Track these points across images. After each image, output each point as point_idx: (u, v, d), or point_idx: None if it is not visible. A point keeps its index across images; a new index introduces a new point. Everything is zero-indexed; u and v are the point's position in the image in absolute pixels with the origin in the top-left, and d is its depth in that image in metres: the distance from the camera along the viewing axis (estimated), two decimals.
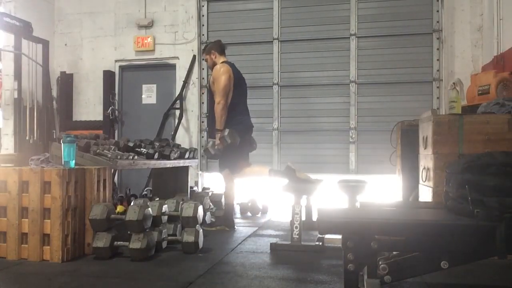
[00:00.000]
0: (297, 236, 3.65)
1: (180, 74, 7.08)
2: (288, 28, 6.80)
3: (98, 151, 3.99)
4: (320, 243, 3.63)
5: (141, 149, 4.70)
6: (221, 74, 4.50)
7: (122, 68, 7.39)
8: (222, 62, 4.63)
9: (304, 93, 6.74)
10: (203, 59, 6.96)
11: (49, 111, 6.86)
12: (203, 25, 7.08)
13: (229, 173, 4.63)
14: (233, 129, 4.44)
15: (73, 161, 3.51)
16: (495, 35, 5.42)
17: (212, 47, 4.75)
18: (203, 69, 7.07)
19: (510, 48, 5.04)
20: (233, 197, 4.70)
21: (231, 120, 4.50)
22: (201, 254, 3.48)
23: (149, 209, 3.45)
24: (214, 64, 4.68)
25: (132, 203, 4.41)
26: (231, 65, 4.67)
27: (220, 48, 4.75)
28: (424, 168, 3.83)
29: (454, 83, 4.08)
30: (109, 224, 3.38)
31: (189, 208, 3.54)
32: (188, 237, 3.50)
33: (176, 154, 5.12)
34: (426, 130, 3.79)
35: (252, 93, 6.80)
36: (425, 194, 3.79)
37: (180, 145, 5.83)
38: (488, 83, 4.53)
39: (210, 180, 7.04)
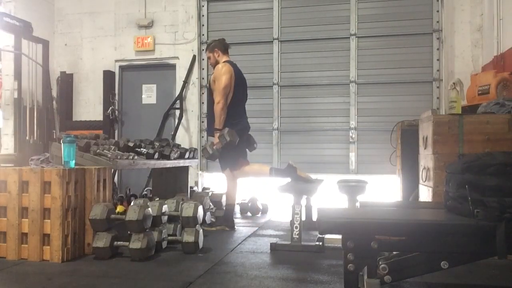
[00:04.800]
0: (297, 236, 3.64)
1: (180, 74, 7.08)
2: (288, 28, 6.80)
3: (98, 151, 3.99)
4: (320, 243, 3.63)
5: (141, 149, 4.70)
6: (223, 73, 4.47)
7: (122, 68, 7.40)
8: (225, 62, 4.61)
9: (304, 93, 6.73)
10: (203, 59, 7.03)
11: (49, 111, 6.86)
12: (203, 25, 7.08)
13: (231, 173, 4.63)
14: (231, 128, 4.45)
15: (73, 161, 3.51)
16: (495, 35, 5.42)
17: (215, 45, 4.72)
18: (203, 69, 7.07)
19: (510, 48, 5.05)
20: (234, 198, 4.70)
21: (228, 120, 4.49)
22: (201, 254, 3.48)
23: (149, 209, 3.45)
24: (217, 62, 4.65)
25: (132, 203, 4.41)
26: (233, 65, 4.65)
27: (224, 47, 4.72)
28: (424, 168, 3.83)
29: (454, 83, 4.09)
30: (109, 224, 3.38)
31: (189, 208, 3.54)
32: (188, 237, 3.50)
33: (176, 154, 5.11)
34: (426, 130, 3.79)
35: (252, 93, 6.79)
36: (425, 194, 3.80)
37: (180, 145, 5.83)
38: (488, 83, 4.54)
39: (210, 180, 7.04)
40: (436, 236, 2.10)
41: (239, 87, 4.63)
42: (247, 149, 4.81)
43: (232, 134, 4.36)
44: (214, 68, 4.68)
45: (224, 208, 4.88)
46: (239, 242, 4.00)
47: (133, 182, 7.06)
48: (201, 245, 3.59)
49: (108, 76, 7.25)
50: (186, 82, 6.99)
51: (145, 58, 7.25)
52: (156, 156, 4.74)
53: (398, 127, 5.09)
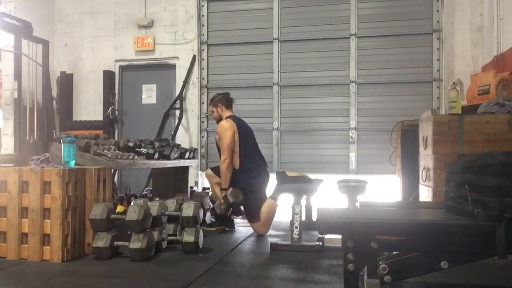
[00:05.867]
0: (297, 236, 3.65)
1: (180, 74, 7.08)
2: (288, 28, 6.80)
3: (98, 151, 3.99)
4: (320, 243, 3.63)
5: (141, 149, 4.70)
6: (226, 130, 4.45)
7: (122, 68, 7.39)
8: (227, 117, 4.59)
9: (304, 93, 6.73)
10: (203, 59, 7.04)
11: (49, 111, 6.86)
12: (203, 25, 7.08)
13: (211, 174, 4.63)
14: (248, 183, 4.40)
15: (73, 161, 3.51)
16: (495, 35, 5.42)
17: (219, 100, 4.70)
18: (203, 69, 7.07)
19: (510, 48, 5.04)
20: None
21: (248, 174, 4.45)
22: (201, 254, 3.48)
23: (149, 209, 3.45)
24: (220, 118, 4.65)
25: (132, 203, 4.41)
26: (237, 119, 4.63)
27: (227, 102, 4.70)
28: (424, 168, 3.83)
29: (454, 83, 4.09)
30: (109, 224, 3.38)
31: (189, 208, 3.54)
32: (188, 237, 3.50)
33: (176, 154, 5.11)
34: (426, 130, 3.79)
35: (252, 93, 6.85)
36: (425, 194, 3.79)
37: (180, 145, 5.83)
38: (488, 83, 4.53)
39: None
40: (436, 236, 2.10)
41: (246, 139, 4.56)
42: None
43: (236, 195, 4.31)
44: (218, 123, 4.68)
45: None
46: (239, 242, 4.00)
47: (133, 182, 7.05)
48: (201, 245, 3.59)
49: (108, 76, 7.25)
50: (186, 82, 6.99)
51: (145, 58, 7.25)
52: (156, 156, 4.74)
53: (398, 127, 5.09)
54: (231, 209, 4.41)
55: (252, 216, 4.45)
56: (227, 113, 4.67)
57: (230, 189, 4.34)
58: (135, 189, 6.52)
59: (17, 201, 3.27)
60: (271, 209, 4.44)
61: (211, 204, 5.10)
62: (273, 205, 4.45)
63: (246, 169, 4.47)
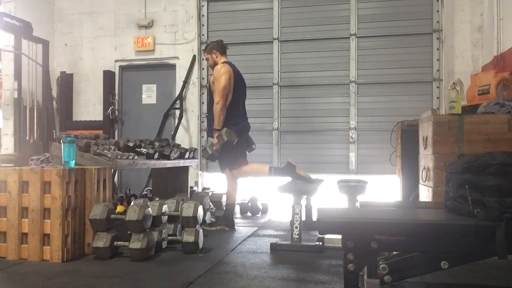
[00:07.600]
0: (297, 236, 3.64)
1: (180, 74, 7.08)
2: (288, 28, 6.80)
3: (98, 151, 3.99)
4: (320, 243, 3.63)
5: (141, 149, 4.70)
6: (222, 74, 4.50)
7: (122, 68, 7.40)
8: (223, 62, 4.63)
9: (304, 93, 6.73)
10: (203, 59, 7.03)
11: (49, 111, 6.86)
12: (203, 25, 7.08)
13: (231, 173, 4.63)
14: (230, 128, 4.46)
15: (73, 161, 3.51)
16: (495, 35, 5.42)
17: (213, 47, 4.75)
18: (203, 69, 7.07)
19: (510, 48, 5.04)
20: (234, 198, 4.70)
21: (228, 121, 4.51)
22: (201, 254, 3.48)
23: (149, 209, 3.45)
24: (215, 63, 4.68)
25: (132, 203, 4.41)
26: (232, 65, 4.67)
27: (222, 48, 4.75)
28: (424, 168, 3.83)
29: (454, 83, 4.08)
30: (109, 224, 3.38)
31: (189, 208, 3.54)
32: (188, 237, 3.50)
33: (176, 154, 5.11)
34: (426, 130, 3.79)
35: (252, 93, 6.82)
36: (425, 194, 3.79)
37: (180, 145, 5.83)
38: (488, 83, 4.53)
39: (210, 180, 7.04)
40: (436, 236, 2.10)
41: (238, 87, 4.64)
42: (246, 150, 4.81)
43: (230, 134, 4.38)
44: (213, 69, 4.71)
45: (224, 208, 4.88)
46: (239, 242, 4.00)
47: (133, 182, 7.06)
48: (201, 245, 3.59)
49: (108, 76, 7.25)
50: (186, 82, 6.99)
51: (145, 58, 7.25)
52: (156, 156, 4.74)
53: (398, 127, 5.09)
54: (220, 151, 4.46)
55: (223, 165, 4.61)
56: (222, 59, 4.71)
57: (224, 129, 4.41)
58: (135, 189, 6.52)
59: (17, 201, 3.27)
60: (259, 171, 4.61)
61: (211, 204, 5.11)
62: (264, 171, 4.55)
63: (232, 116, 4.54)
